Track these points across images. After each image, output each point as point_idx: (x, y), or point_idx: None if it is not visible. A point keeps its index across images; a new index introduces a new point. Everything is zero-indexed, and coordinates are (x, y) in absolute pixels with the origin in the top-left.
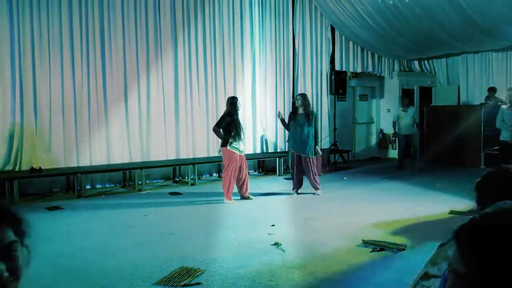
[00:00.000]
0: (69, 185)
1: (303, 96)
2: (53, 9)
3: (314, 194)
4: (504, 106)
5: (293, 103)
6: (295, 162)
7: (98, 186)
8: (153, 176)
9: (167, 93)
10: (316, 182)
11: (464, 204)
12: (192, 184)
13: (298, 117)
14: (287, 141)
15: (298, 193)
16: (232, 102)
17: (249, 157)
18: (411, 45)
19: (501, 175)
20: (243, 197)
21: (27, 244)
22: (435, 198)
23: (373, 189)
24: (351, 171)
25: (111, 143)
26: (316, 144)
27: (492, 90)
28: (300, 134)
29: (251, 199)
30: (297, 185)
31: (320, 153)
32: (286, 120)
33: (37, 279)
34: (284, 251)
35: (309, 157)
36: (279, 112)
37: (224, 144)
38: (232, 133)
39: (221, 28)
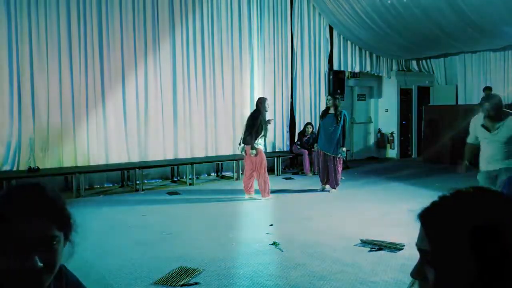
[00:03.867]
0: (67, 185)
1: (334, 96)
2: (51, 9)
3: (328, 191)
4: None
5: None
6: (321, 160)
7: (96, 186)
8: (151, 176)
9: (165, 93)
10: (337, 181)
11: None
12: (190, 184)
13: (327, 117)
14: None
15: (324, 190)
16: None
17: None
18: (409, 45)
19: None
20: (249, 195)
21: (72, 240)
22: (434, 197)
23: (371, 189)
24: (349, 171)
25: (109, 143)
26: (343, 145)
27: (488, 89)
28: (327, 133)
29: (254, 198)
30: (324, 181)
31: (343, 154)
32: (317, 119)
33: None
34: (282, 251)
35: (333, 156)
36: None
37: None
38: (263, 133)
39: (219, 28)
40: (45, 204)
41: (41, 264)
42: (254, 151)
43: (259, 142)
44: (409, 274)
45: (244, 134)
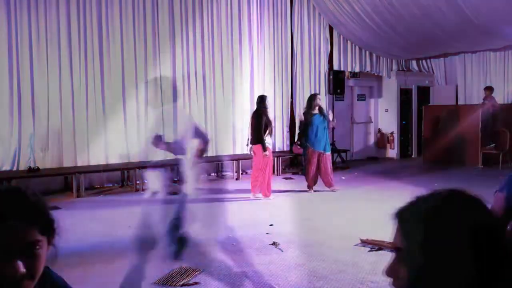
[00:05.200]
0: (67, 185)
1: (318, 96)
2: (51, 9)
3: (333, 191)
4: None
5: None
6: (314, 160)
7: (96, 186)
8: None
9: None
10: (332, 179)
11: None
12: None
13: (316, 117)
14: (307, 142)
15: (314, 191)
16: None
17: (247, 157)
18: (409, 45)
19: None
20: (255, 195)
21: (55, 244)
22: None
23: (371, 189)
24: (349, 171)
25: (109, 143)
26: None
27: (489, 89)
28: (321, 133)
29: (259, 198)
30: (313, 183)
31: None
32: (301, 119)
33: None
34: (282, 251)
35: (327, 154)
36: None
37: (263, 141)
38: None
39: (219, 27)
40: (26, 208)
41: (24, 270)
42: (267, 153)
43: (267, 141)
44: (382, 272)
45: (252, 135)
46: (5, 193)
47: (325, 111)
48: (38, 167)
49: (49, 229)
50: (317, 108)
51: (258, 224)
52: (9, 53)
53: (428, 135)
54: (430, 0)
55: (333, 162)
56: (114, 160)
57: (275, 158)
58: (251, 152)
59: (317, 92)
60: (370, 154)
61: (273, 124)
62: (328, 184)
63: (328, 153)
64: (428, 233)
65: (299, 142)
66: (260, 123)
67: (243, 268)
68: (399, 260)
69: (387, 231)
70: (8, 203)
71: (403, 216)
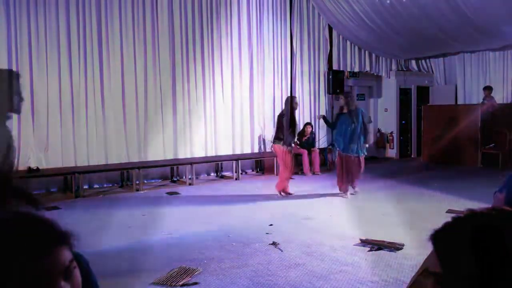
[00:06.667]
0: (66, 185)
1: (346, 95)
2: (50, 8)
3: (353, 193)
4: None
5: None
6: (344, 166)
7: (95, 186)
8: (151, 176)
9: (165, 93)
10: (357, 182)
11: (461, 203)
12: (190, 184)
13: (342, 117)
14: (334, 141)
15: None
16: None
17: (247, 157)
18: (408, 45)
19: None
20: (287, 193)
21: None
22: (433, 197)
23: (370, 188)
24: None
25: (109, 143)
26: (365, 141)
27: (488, 89)
28: (346, 135)
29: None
30: (347, 186)
31: (365, 152)
32: (316, 119)
33: None
34: (282, 251)
35: (357, 156)
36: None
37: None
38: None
39: (218, 27)
40: (53, 232)
41: None
42: (290, 148)
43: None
44: None
45: (275, 133)
46: (27, 223)
47: (360, 110)
48: (37, 167)
49: (72, 244)
50: (346, 108)
51: (258, 224)
52: (9, 53)
53: (428, 135)
54: (429, 0)
55: (332, 162)
56: (113, 160)
57: (275, 158)
58: (272, 150)
59: (317, 92)
60: (370, 154)
61: (297, 126)
62: (355, 184)
63: (353, 155)
64: (466, 259)
65: (298, 142)
66: (280, 124)
67: (243, 268)
68: (435, 285)
69: (387, 231)
70: (37, 233)
71: (441, 240)
